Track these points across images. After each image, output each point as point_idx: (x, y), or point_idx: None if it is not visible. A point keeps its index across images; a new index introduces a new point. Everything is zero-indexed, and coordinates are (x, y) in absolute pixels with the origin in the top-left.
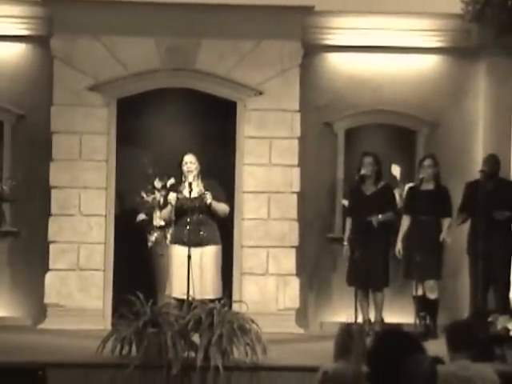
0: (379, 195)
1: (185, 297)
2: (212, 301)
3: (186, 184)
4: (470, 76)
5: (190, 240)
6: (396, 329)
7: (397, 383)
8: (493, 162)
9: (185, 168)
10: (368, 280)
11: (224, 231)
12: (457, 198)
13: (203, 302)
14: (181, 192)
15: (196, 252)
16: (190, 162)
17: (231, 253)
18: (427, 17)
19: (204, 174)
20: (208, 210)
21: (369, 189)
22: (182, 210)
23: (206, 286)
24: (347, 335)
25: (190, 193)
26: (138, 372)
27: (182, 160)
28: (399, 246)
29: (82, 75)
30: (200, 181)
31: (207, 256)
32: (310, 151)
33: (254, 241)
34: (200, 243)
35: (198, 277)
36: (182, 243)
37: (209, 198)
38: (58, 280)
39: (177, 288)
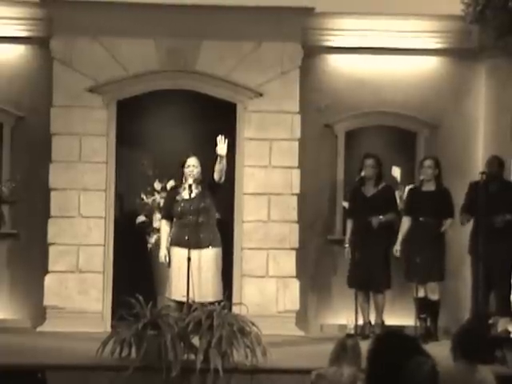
0: (380, 197)
1: (184, 299)
2: (212, 303)
3: (186, 186)
4: (470, 77)
5: (189, 242)
6: (397, 331)
7: None
8: (496, 164)
9: (187, 170)
10: (369, 282)
11: (224, 233)
12: (458, 199)
13: (203, 304)
14: (180, 194)
15: (195, 254)
16: (193, 166)
17: (231, 255)
18: (427, 18)
19: (204, 176)
20: (207, 212)
21: (370, 190)
22: (182, 212)
23: (205, 289)
24: (341, 348)
25: (190, 195)
26: (138, 374)
27: (184, 162)
28: (398, 246)
29: (81, 77)
30: (199, 184)
31: (206, 258)
32: (310, 153)
33: (254, 243)
34: (199, 245)
35: (197, 279)
36: (181, 245)
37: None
38: (57, 282)
39: (176, 290)
